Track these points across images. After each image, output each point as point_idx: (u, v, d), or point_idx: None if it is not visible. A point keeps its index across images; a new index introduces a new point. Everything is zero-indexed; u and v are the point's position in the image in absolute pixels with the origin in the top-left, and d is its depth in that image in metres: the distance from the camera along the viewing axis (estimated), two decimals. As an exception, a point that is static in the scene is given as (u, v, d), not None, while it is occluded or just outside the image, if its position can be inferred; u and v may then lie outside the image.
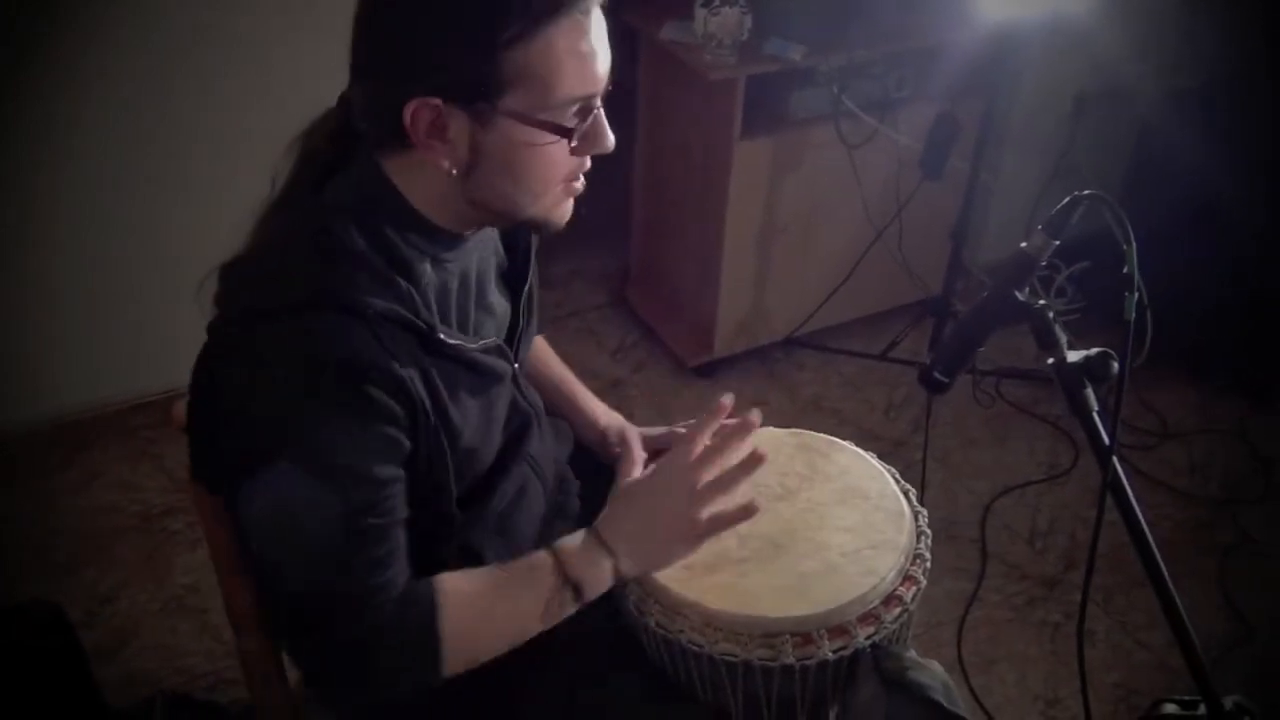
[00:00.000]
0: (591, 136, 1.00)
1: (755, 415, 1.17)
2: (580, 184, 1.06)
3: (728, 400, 1.19)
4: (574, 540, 1.11)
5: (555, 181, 1.02)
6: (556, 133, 0.96)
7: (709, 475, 1.13)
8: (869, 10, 2.38)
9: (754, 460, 1.13)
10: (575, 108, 0.97)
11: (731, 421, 1.18)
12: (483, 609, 1.07)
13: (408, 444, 1.01)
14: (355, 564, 0.99)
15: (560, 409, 1.42)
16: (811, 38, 2.31)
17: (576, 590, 1.09)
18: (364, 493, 0.98)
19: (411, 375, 1.00)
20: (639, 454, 1.28)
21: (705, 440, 1.16)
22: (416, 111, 0.94)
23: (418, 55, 0.94)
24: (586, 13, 0.94)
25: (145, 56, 2.14)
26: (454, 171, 0.99)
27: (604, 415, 1.43)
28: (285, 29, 2.17)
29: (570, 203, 1.07)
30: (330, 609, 0.99)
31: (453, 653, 1.03)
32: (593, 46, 0.95)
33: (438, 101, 0.94)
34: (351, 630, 0.99)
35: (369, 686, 1.01)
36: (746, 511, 1.12)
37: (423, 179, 1.01)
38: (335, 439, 0.96)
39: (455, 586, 1.06)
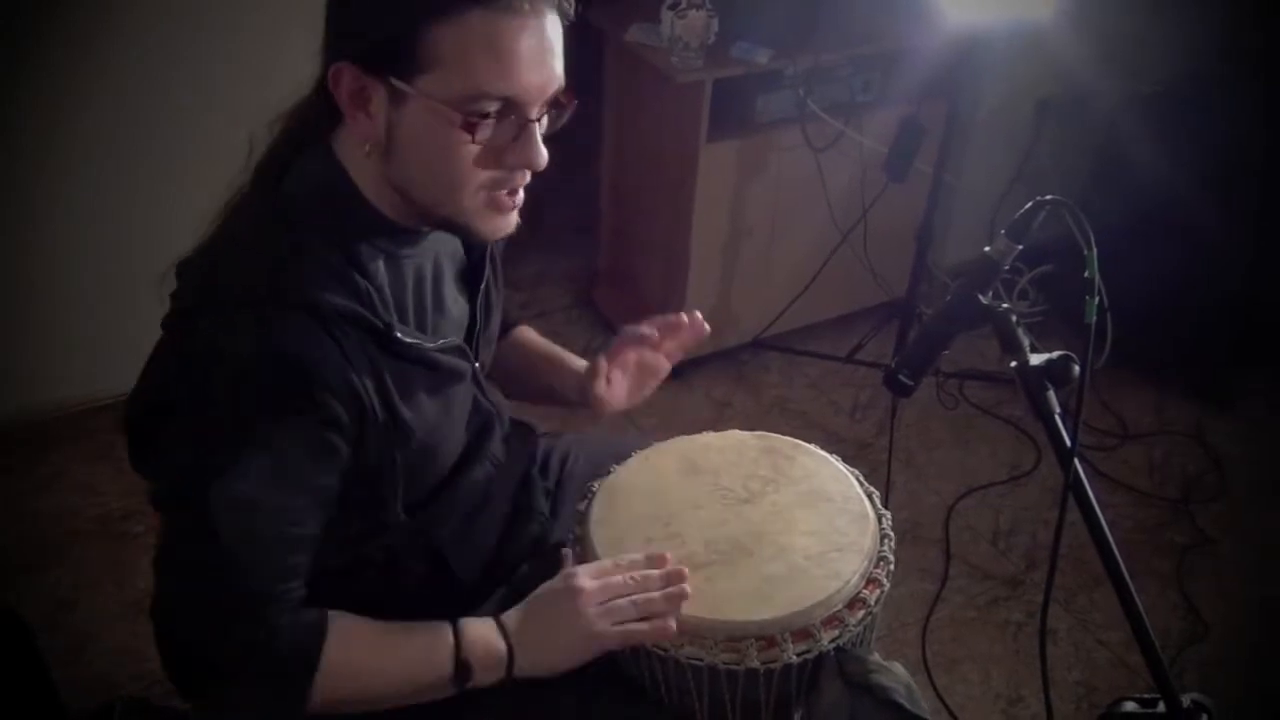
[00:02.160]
0: (517, 149, 0.98)
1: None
2: (514, 199, 1.03)
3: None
4: (478, 626, 1.09)
5: (465, 182, 0.98)
6: (460, 125, 0.94)
7: (619, 600, 1.10)
8: (835, 14, 2.40)
9: (678, 597, 1.10)
10: (492, 107, 0.94)
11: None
12: (367, 654, 1.05)
13: (346, 452, 1.00)
14: (271, 567, 0.99)
15: (548, 372, 1.40)
16: (778, 41, 2.32)
17: (464, 673, 1.06)
18: (300, 498, 0.99)
19: (363, 379, 0.99)
20: (603, 366, 1.28)
21: (617, 566, 1.13)
22: (337, 73, 0.95)
23: (345, 19, 0.96)
24: (518, 12, 0.92)
25: (146, 56, 2.14)
26: (371, 149, 0.99)
27: (581, 363, 1.40)
28: (288, 29, 2.16)
29: (502, 217, 1.03)
30: (235, 609, 0.98)
31: (324, 687, 1.01)
32: (517, 47, 0.93)
33: (357, 69, 0.94)
34: (244, 633, 0.98)
35: (232, 688, 1.00)
36: (664, 632, 1.09)
37: (363, 161, 1.01)
38: (284, 441, 0.96)
39: (348, 624, 1.05)
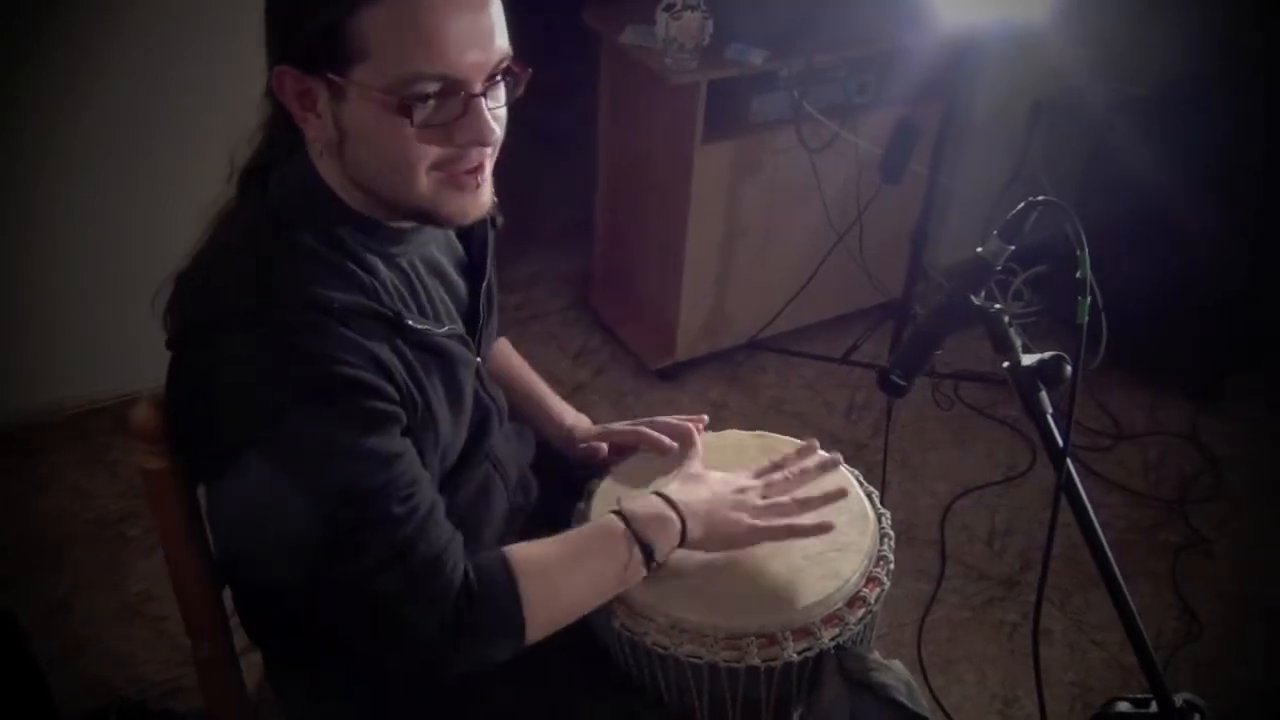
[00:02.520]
0: (464, 125, 0.96)
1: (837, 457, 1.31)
2: (476, 176, 1.01)
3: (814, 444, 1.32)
4: (642, 504, 1.14)
5: (417, 166, 0.97)
6: (396, 110, 0.93)
7: (781, 498, 1.21)
8: (830, 16, 2.40)
9: (837, 494, 1.23)
10: (431, 88, 0.93)
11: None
12: (559, 574, 1.08)
13: (403, 416, 1.01)
14: (415, 529, 0.99)
15: (526, 410, 1.42)
16: (773, 43, 2.33)
17: (648, 552, 1.10)
18: (392, 467, 0.98)
19: (391, 360, 1.00)
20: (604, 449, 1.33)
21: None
22: (279, 78, 0.95)
23: (277, 21, 0.96)
24: None
25: (146, 56, 2.14)
26: (324, 150, 0.99)
27: (570, 415, 1.43)
28: None
29: (468, 195, 1.01)
30: (419, 581, 0.98)
31: (534, 616, 1.03)
32: (445, 24, 0.92)
33: (296, 70, 0.94)
34: (441, 593, 0.99)
35: (463, 646, 1.01)
36: (822, 528, 1.18)
37: (326, 162, 1.01)
38: (336, 429, 0.95)
39: (526, 555, 1.07)
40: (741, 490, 1.20)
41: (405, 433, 1.02)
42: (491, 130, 0.98)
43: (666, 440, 1.31)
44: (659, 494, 1.16)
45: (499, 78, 0.98)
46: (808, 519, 1.18)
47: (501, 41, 0.97)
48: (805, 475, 1.25)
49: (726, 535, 1.16)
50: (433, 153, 0.97)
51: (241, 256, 1.01)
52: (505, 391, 1.36)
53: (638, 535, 1.10)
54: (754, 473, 1.25)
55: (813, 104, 2.43)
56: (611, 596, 1.12)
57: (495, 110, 0.99)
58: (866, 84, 2.51)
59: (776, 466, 1.26)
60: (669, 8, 2.21)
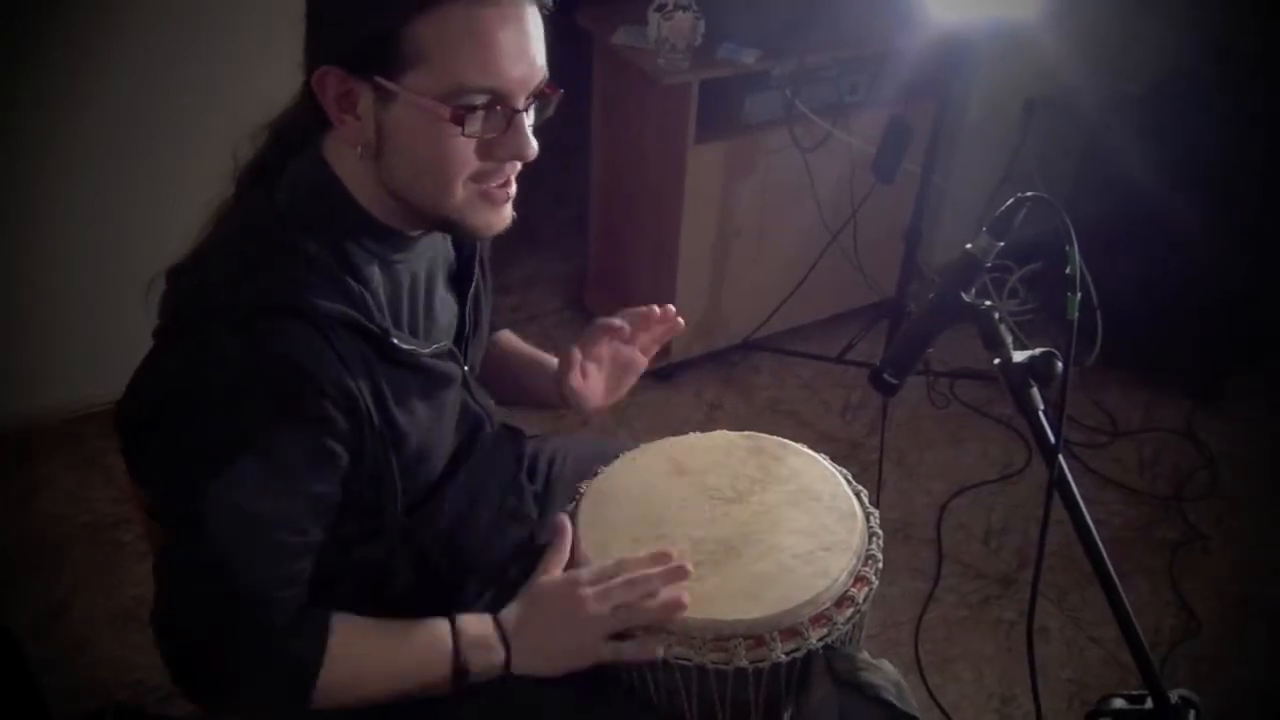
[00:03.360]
0: (506, 141, 0.98)
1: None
2: (506, 190, 1.03)
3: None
4: (476, 626, 1.10)
5: (457, 177, 0.98)
6: (449, 119, 0.94)
7: (619, 609, 1.10)
8: (822, 15, 2.40)
9: (675, 606, 1.09)
10: (479, 100, 0.95)
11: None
12: (369, 653, 1.06)
13: (345, 459, 1.01)
14: (269, 572, 0.99)
15: (528, 375, 1.40)
16: (765, 42, 2.33)
17: (461, 673, 1.08)
18: (297, 504, 0.99)
19: (360, 385, 0.99)
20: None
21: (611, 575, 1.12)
22: (322, 78, 0.95)
23: (326, 22, 0.96)
24: (497, 4, 0.93)
25: (146, 56, 2.14)
26: (362, 152, 0.99)
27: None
28: (289, 30, 2.16)
29: (496, 210, 1.03)
30: (233, 613, 0.98)
31: (327, 686, 1.02)
32: (499, 38, 0.93)
33: (342, 71, 0.95)
34: (245, 636, 0.99)
35: (237, 692, 1.01)
36: (675, 606, 1.09)
37: (354, 165, 1.01)
38: (280, 447, 0.96)
39: (350, 625, 1.05)
40: (577, 599, 1.10)
41: (342, 472, 1.02)
42: (532, 146, 1.00)
43: (617, 321, 1.26)
44: (496, 620, 1.11)
45: (534, 97, 0.99)
46: (651, 603, 1.10)
47: (542, 62, 0.99)
48: (645, 581, 1.11)
49: (562, 664, 1.11)
50: (473, 165, 0.98)
51: (235, 255, 1.01)
52: (512, 371, 1.36)
53: (459, 653, 1.07)
54: (591, 577, 1.13)
55: (805, 103, 2.42)
56: (413, 697, 1.08)
57: (530, 128, 1.00)
58: (859, 83, 2.51)
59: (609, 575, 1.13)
60: (661, 8, 2.21)
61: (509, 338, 1.44)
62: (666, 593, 1.10)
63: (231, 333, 0.94)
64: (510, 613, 1.12)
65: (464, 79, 0.93)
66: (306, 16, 0.97)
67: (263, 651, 1.00)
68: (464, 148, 0.97)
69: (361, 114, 0.97)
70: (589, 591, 1.10)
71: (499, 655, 1.09)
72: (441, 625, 1.09)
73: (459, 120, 0.94)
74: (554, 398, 1.33)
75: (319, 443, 0.98)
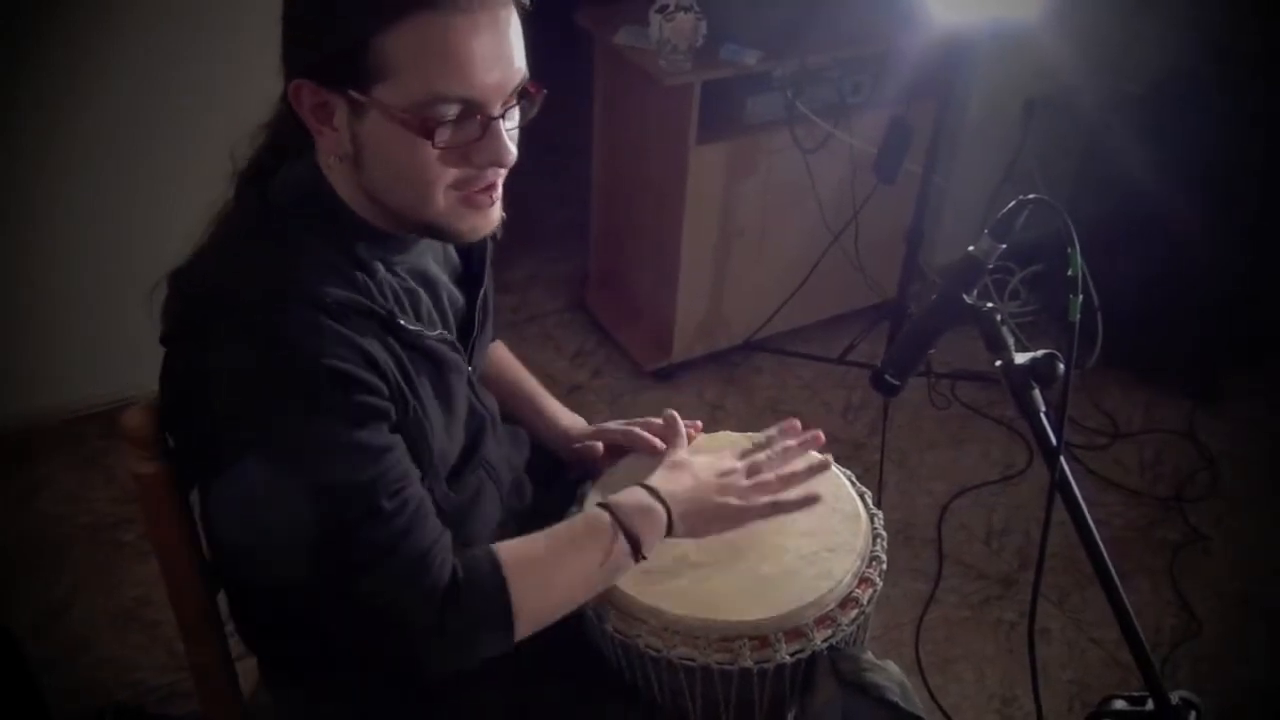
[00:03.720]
0: (483, 147, 0.97)
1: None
2: (490, 195, 1.02)
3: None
4: (627, 496, 1.13)
5: (435, 186, 0.98)
6: (418, 132, 0.93)
7: (764, 475, 1.20)
8: (823, 16, 2.40)
9: (820, 466, 1.23)
10: (452, 111, 0.94)
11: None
12: (546, 569, 1.07)
13: (392, 412, 1.00)
14: (404, 524, 0.98)
15: (521, 411, 1.42)
16: (766, 43, 2.33)
17: (634, 544, 1.10)
18: (380, 463, 0.98)
19: (383, 356, 1.00)
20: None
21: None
22: (296, 90, 0.95)
23: (297, 35, 0.96)
24: (466, 10, 0.91)
25: (146, 56, 2.14)
26: (342, 162, 0.98)
27: (565, 416, 1.43)
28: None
29: (481, 214, 1.02)
30: (408, 575, 0.98)
31: (522, 611, 1.03)
32: (471, 47, 0.92)
33: (315, 83, 0.94)
34: (430, 588, 0.98)
35: (450, 642, 1.00)
36: (807, 501, 1.18)
37: (341, 172, 1.01)
38: (324, 424, 0.95)
39: (514, 551, 1.06)
40: (725, 473, 1.19)
41: (395, 429, 1.01)
42: (510, 152, 0.99)
43: (658, 441, 1.31)
44: (643, 485, 1.15)
45: (515, 100, 0.99)
46: (793, 494, 1.18)
47: (520, 64, 0.97)
48: (788, 454, 1.24)
49: (713, 520, 1.16)
50: (451, 173, 0.98)
51: (237, 254, 1.01)
52: (500, 393, 1.36)
53: (624, 527, 1.10)
54: (737, 454, 1.24)
55: (806, 104, 2.42)
56: (599, 590, 1.11)
57: (510, 131, 0.99)
58: (860, 84, 2.51)
59: (760, 447, 1.26)
60: (662, 9, 2.21)
61: (507, 358, 1.45)
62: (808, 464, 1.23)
63: (247, 330, 0.94)
64: (655, 479, 1.17)
65: (435, 90, 0.92)
66: (281, 28, 0.97)
67: (458, 600, 0.99)
68: (439, 158, 0.96)
69: (338, 125, 0.96)
70: (735, 462, 1.21)
71: (661, 515, 1.13)
72: (596, 511, 1.12)
73: (428, 133, 0.93)
74: (550, 443, 1.41)
75: (352, 401, 0.96)
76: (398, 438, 1.01)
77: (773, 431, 1.28)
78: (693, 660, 1.09)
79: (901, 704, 1.11)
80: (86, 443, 2.38)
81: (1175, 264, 2.64)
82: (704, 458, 1.22)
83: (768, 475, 1.19)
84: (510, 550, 1.05)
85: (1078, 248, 1.08)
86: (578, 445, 1.37)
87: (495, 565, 1.03)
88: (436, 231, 1.04)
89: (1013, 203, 1.12)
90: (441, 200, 0.99)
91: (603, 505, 1.11)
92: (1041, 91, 2.85)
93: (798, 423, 1.29)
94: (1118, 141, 2.59)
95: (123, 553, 2.16)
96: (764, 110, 2.43)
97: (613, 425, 1.38)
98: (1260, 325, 2.77)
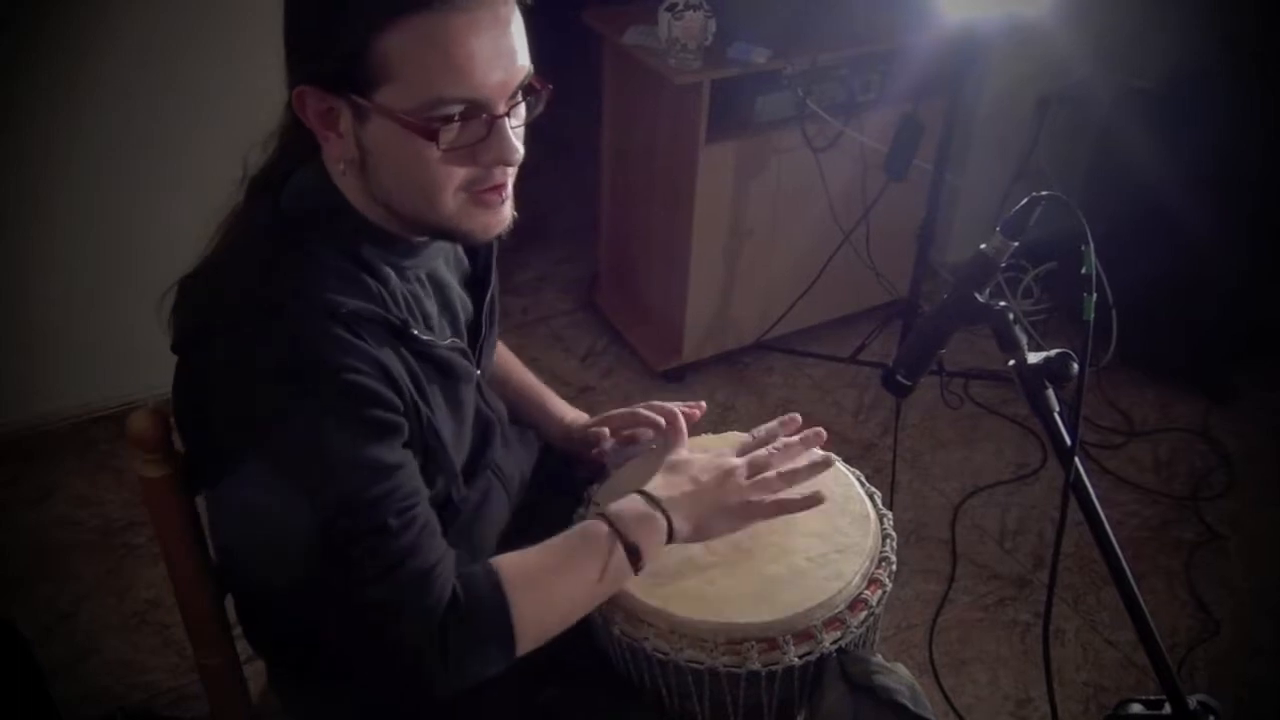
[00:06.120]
0: (489, 146, 0.96)
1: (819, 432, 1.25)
2: (500, 193, 1.01)
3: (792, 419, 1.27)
4: (626, 504, 1.12)
5: (444, 189, 0.97)
6: (421, 134, 0.92)
7: (767, 473, 1.17)
8: (832, 14, 2.39)
9: (823, 464, 1.19)
10: (455, 111, 0.93)
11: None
12: (547, 585, 1.06)
13: (405, 427, 0.99)
14: (409, 538, 0.97)
15: (526, 411, 1.42)
16: (776, 41, 2.31)
17: (634, 553, 1.08)
18: (391, 478, 0.97)
19: (397, 368, 0.99)
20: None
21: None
22: (301, 97, 0.95)
23: (297, 42, 0.95)
24: (464, 9, 0.90)
25: (146, 57, 2.14)
26: (345, 168, 0.98)
27: (570, 411, 1.43)
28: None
29: (492, 213, 1.01)
30: (407, 593, 0.97)
31: (523, 627, 1.02)
32: (471, 47, 0.91)
33: (319, 89, 0.94)
34: (431, 604, 0.97)
35: (452, 661, 0.99)
36: (811, 501, 1.14)
37: (347, 177, 1.00)
38: (338, 438, 0.94)
39: (514, 566, 1.05)
40: (726, 472, 1.16)
41: (407, 444, 1.01)
42: (515, 150, 0.98)
43: (661, 419, 1.30)
44: (641, 492, 1.13)
45: (520, 97, 0.97)
46: (796, 492, 1.16)
47: (523, 60, 0.96)
48: (790, 450, 1.21)
49: (716, 521, 1.14)
50: (458, 175, 0.97)
51: (249, 260, 1.00)
52: (504, 392, 1.36)
53: (622, 536, 1.08)
54: (738, 450, 1.22)
55: (817, 102, 2.41)
56: (601, 600, 1.10)
57: (516, 129, 0.98)
58: (870, 81, 2.49)
59: (760, 442, 1.23)
60: (671, 8, 2.20)
61: (509, 358, 1.44)
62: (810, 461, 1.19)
63: (261, 336, 0.93)
64: (652, 485, 1.14)
65: (437, 91, 0.91)
66: (283, 35, 0.96)
67: (459, 619, 0.98)
68: (445, 159, 0.95)
69: (343, 131, 0.96)
70: (737, 460, 1.17)
71: (660, 522, 1.10)
72: (594, 522, 1.10)
73: (432, 136, 0.92)
74: (555, 440, 1.39)
75: (366, 415, 0.96)
76: (409, 454, 1.01)
77: (773, 425, 1.26)
78: (700, 663, 1.08)
79: (911, 707, 1.09)
80: (96, 446, 2.39)
81: (1189, 261, 2.62)
82: (704, 457, 1.20)
83: (769, 473, 1.17)
84: (510, 566, 1.04)
85: (1092, 245, 1.07)
86: (582, 432, 1.36)
87: (496, 584, 1.02)
88: (448, 233, 1.03)
89: (1025, 200, 1.10)
90: (450, 201, 0.98)
91: (601, 515, 1.10)
92: (1054, 88, 2.84)
93: (799, 418, 1.26)
94: (1131, 139, 2.57)
95: (133, 555, 2.17)
96: (774, 109, 2.42)
97: (616, 411, 1.37)
98: (1276, 322, 2.74)
